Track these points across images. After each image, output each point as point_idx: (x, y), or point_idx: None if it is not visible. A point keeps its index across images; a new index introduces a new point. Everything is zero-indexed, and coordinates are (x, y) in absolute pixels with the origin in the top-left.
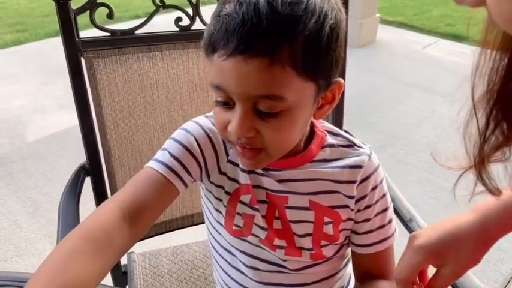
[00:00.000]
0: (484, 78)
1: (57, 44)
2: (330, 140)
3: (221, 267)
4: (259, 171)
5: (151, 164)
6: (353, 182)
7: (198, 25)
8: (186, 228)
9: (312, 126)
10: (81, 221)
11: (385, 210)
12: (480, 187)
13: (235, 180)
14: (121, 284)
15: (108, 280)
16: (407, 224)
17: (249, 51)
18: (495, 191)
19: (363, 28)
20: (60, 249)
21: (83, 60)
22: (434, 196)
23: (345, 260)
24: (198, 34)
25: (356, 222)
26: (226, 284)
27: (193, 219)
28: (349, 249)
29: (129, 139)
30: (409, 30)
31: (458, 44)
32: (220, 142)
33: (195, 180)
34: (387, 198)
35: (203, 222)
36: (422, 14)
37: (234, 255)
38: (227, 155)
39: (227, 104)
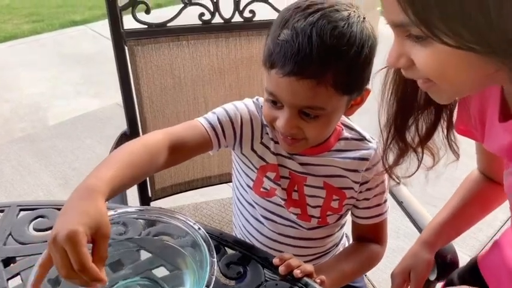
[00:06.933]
0: (385, 113)
1: (72, 34)
2: (345, 133)
3: (243, 215)
4: (286, 154)
5: (201, 119)
6: (359, 171)
7: (217, 19)
8: (205, 188)
9: None
10: None
11: (382, 192)
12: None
13: (263, 159)
14: None
15: None
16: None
17: (300, 74)
18: (396, 180)
19: None
20: (123, 148)
21: (125, 48)
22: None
23: (340, 226)
24: (218, 27)
25: (357, 200)
26: (245, 228)
27: (211, 181)
28: (346, 218)
29: (161, 112)
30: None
31: None
32: (259, 126)
33: (227, 146)
34: (385, 184)
35: (220, 183)
36: None
37: (255, 208)
38: (261, 137)
39: (276, 103)
